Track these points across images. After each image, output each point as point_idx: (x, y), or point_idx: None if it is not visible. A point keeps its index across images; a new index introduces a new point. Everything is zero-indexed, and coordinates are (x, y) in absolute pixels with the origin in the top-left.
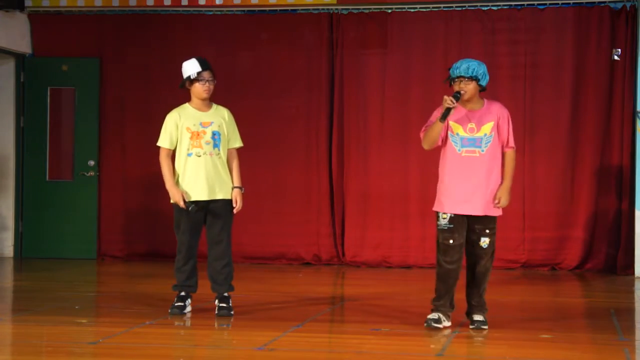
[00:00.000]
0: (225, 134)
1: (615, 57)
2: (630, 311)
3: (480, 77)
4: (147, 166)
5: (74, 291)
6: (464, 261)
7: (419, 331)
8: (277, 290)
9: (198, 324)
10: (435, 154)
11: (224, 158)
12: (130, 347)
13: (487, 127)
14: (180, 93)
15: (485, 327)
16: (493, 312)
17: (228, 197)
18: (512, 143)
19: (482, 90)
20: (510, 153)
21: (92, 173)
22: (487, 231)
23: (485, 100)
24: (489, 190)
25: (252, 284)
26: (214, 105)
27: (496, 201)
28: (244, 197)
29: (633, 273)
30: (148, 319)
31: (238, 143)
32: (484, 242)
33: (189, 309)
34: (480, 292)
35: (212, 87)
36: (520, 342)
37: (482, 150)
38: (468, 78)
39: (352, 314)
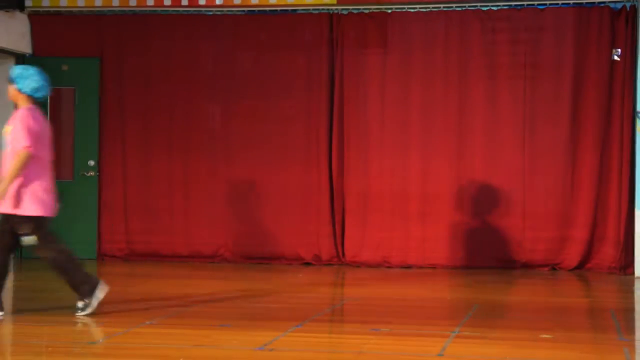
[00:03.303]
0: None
1: (615, 57)
2: (630, 311)
3: (13, 80)
4: (147, 166)
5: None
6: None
7: (419, 331)
8: (277, 290)
9: (198, 324)
10: (435, 154)
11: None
12: (130, 347)
13: (8, 129)
14: (180, 93)
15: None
16: (493, 312)
17: None
18: (18, 143)
19: (30, 96)
20: (18, 153)
21: (92, 173)
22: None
23: (28, 107)
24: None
25: (253, 284)
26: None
27: None
28: (252, 194)
29: (633, 273)
30: (148, 319)
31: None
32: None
33: None
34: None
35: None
36: (520, 342)
37: (6, 149)
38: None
39: (352, 314)
